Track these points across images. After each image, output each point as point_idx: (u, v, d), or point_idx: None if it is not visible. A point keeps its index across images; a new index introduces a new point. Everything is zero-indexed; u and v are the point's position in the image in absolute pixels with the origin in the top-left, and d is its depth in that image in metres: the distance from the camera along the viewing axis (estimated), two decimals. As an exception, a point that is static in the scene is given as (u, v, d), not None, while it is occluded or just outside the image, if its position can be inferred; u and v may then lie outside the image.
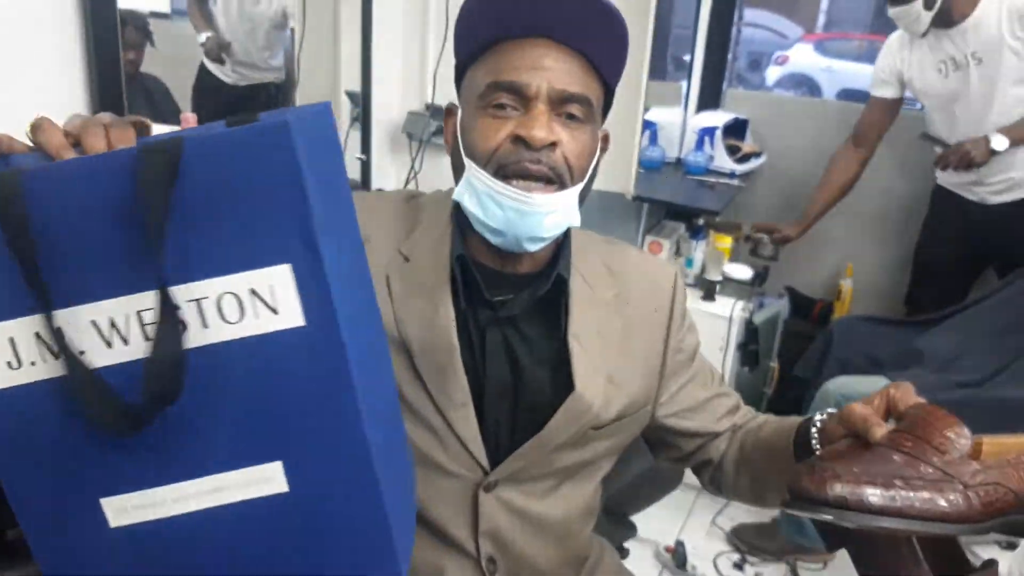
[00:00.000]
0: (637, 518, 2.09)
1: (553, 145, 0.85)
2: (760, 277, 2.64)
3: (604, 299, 0.98)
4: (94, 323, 0.55)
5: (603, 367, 0.95)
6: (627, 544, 1.59)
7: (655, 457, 1.13)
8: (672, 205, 2.63)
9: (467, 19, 0.88)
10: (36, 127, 0.59)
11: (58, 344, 0.54)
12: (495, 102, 0.85)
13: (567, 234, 0.96)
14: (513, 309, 0.93)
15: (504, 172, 0.85)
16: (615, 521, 1.61)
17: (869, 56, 9.04)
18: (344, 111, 2.32)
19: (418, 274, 0.93)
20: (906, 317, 2.53)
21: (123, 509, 0.60)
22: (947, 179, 2.46)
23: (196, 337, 0.56)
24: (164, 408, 0.55)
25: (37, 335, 0.55)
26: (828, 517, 0.67)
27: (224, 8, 2.05)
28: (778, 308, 2.72)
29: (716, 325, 2.43)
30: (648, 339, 1.00)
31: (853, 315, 2.79)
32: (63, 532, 0.60)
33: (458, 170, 0.91)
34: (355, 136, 2.25)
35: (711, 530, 2.39)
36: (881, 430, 0.75)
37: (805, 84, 9.05)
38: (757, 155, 2.91)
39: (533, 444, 0.92)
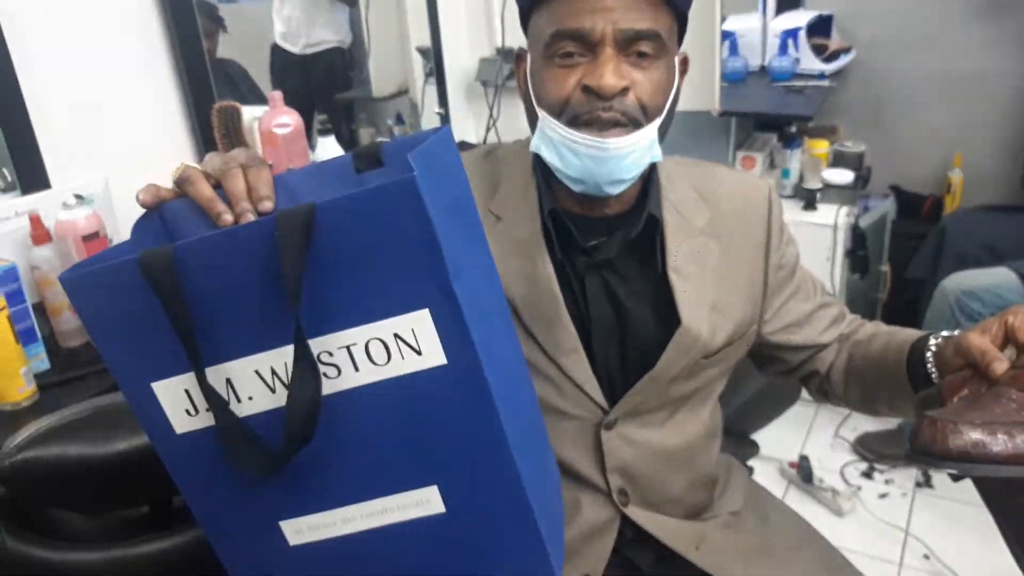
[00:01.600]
0: (758, 436, 2.08)
1: (625, 90, 0.82)
2: (863, 179, 2.53)
3: (698, 227, 0.97)
4: (257, 373, 0.60)
5: (706, 296, 0.95)
6: (751, 462, 1.59)
7: (761, 372, 1.12)
8: (761, 116, 2.53)
9: None
10: (184, 180, 0.63)
11: (207, 398, 0.59)
12: (561, 51, 0.83)
13: (653, 168, 0.95)
14: (609, 252, 0.93)
15: (577, 121, 0.84)
16: (736, 441, 1.61)
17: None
18: (417, 67, 2.33)
19: (512, 232, 0.94)
20: (1021, 203, 2.38)
21: (299, 530, 0.66)
22: None
23: (349, 379, 0.60)
24: (300, 449, 0.59)
25: (200, 385, 0.60)
26: (952, 471, 0.67)
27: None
28: (885, 209, 2.61)
29: (820, 234, 2.36)
30: (748, 260, 0.99)
31: (965, 207, 2.65)
32: (251, 552, 0.67)
33: (532, 120, 0.90)
34: (431, 91, 2.26)
35: (835, 442, 2.36)
36: (1002, 365, 0.72)
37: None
38: (846, 51, 2.76)
39: (647, 381, 0.93)
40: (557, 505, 0.81)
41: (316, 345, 0.58)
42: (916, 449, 0.68)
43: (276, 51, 2.16)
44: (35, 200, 1.24)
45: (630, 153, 0.84)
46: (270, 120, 1.48)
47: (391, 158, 0.68)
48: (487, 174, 0.98)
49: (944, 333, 0.85)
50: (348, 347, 0.59)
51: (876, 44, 2.85)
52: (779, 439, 2.25)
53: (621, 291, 0.94)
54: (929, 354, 0.85)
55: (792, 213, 2.44)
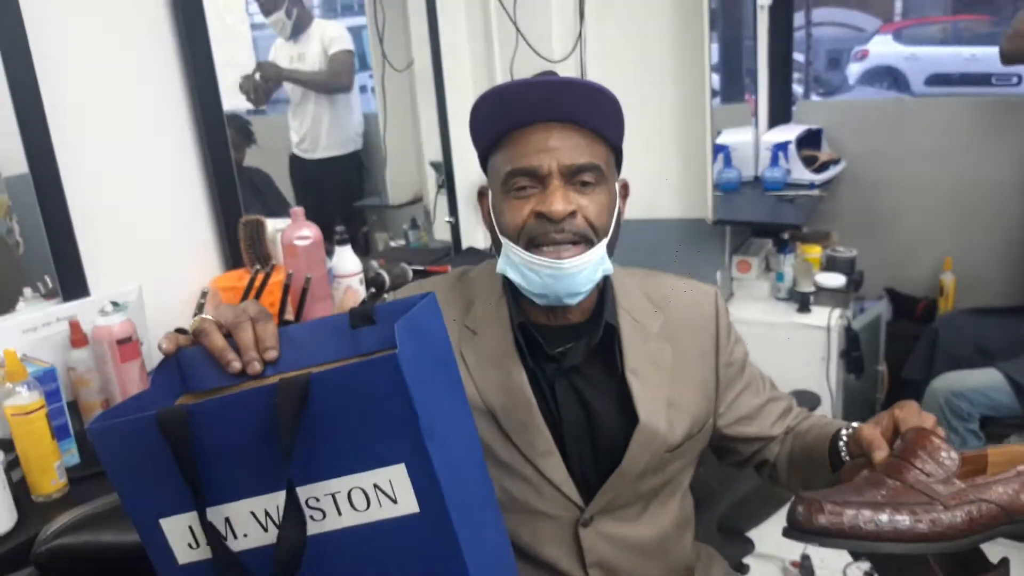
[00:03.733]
0: (761, 536, 2.11)
1: (573, 213, 0.94)
2: (855, 283, 2.64)
3: (653, 331, 1.05)
4: (252, 514, 0.68)
5: (663, 395, 1.03)
6: (748, 560, 1.63)
7: (720, 462, 1.20)
8: (754, 224, 2.67)
9: (480, 117, 0.96)
10: (200, 331, 0.73)
11: (207, 535, 0.67)
12: (516, 186, 0.95)
13: (607, 281, 1.04)
14: (575, 359, 1.01)
15: (534, 243, 0.94)
16: (731, 538, 1.65)
17: (954, 39, 8.73)
18: (430, 180, 2.49)
19: (487, 344, 1.03)
20: (1011, 305, 2.47)
21: None
22: None
23: (333, 522, 0.68)
24: None
25: (201, 524, 0.67)
26: (815, 544, 0.74)
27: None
28: (879, 311, 2.70)
29: (814, 336, 2.44)
30: (700, 359, 1.07)
31: (957, 309, 2.73)
32: None
33: (497, 245, 1.00)
34: (442, 201, 2.42)
35: (837, 542, 2.37)
36: (881, 453, 0.82)
37: (889, 76, 8.79)
38: (836, 162, 2.91)
39: (616, 477, 1.01)
40: None
41: (305, 491, 0.67)
42: (789, 524, 0.75)
43: (294, 160, 2.34)
44: (75, 307, 1.36)
45: (583, 269, 0.95)
46: (292, 233, 1.61)
47: (383, 318, 0.77)
48: (462, 293, 1.08)
49: (855, 424, 0.94)
50: (333, 494, 0.67)
51: (864, 155, 3.02)
52: (782, 539, 2.27)
53: (588, 393, 1.02)
54: (841, 443, 0.94)
55: (787, 315, 2.54)
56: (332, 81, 2.37)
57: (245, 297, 1.47)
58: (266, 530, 0.68)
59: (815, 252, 2.65)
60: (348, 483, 0.67)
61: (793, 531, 0.75)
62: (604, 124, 0.96)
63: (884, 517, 0.74)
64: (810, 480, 1.05)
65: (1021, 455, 0.80)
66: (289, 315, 1.54)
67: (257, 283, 1.49)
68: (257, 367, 0.73)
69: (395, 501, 0.67)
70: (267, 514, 0.68)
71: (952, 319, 2.52)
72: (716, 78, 3.69)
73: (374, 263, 1.96)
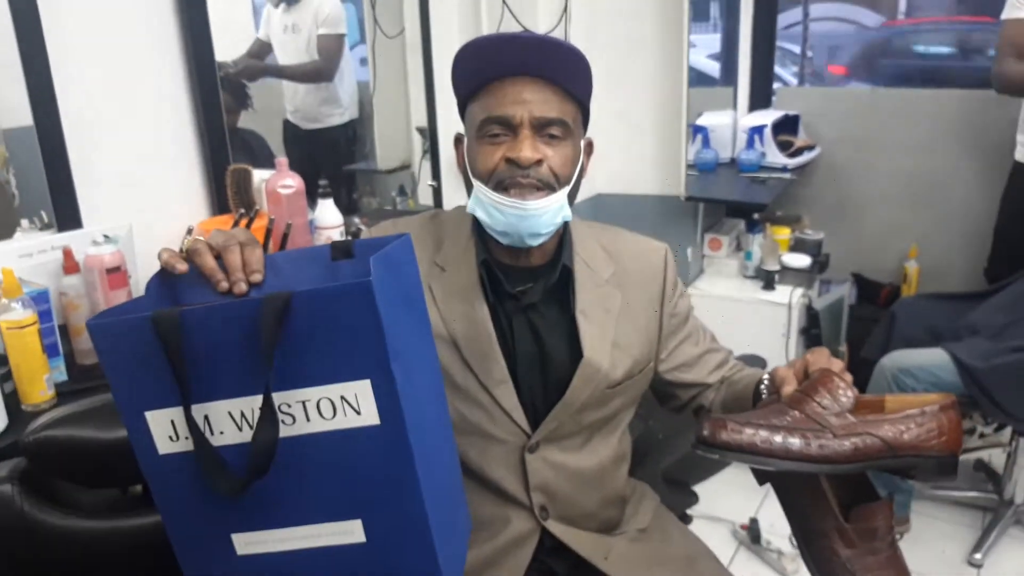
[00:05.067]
0: (712, 500, 2.23)
1: (540, 162, 1.03)
2: (820, 264, 2.74)
3: (604, 278, 1.16)
4: (229, 414, 0.75)
5: (608, 335, 1.13)
6: (698, 521, 1.71)
7: (662, 407, 1.31)
8: (723, 202, 2.77)
9: (461, 66, 1.06)
10: (192, 251, 0.80)
11: (191, 429, 0.74)
12: (489, 133, 1.04)
13: (567, 228, 1.15)
14: (532, 297, 1.12)
15: (502, 185, 1.03)
16: (678, 490, 1.76)
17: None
18: (416, 144, 2.59)
19: (454, 280, 1.12)
20: (964, 291, 2.57)
21: (246, 543, 0.80)
22: None
23: (301, 427, 0.75)
24: (258, 479, 0.74)
25: (186, 419, 0.75)
26: (715, 456, 0.85)
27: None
28: (841, 293, 2.80)
29: (776, 313, 2.56)
30: (646, 307, 1.19)
31: (914, 295, 2.84)
32: (205, 556, 0.81)
33: (469, 187, 1.09)
34: (427, 166, 2.51)
35: (787, 508, 2.49)
36: (789, 388, 0.93)
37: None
38: (811, 148, 3.01)
39: (561, 407, 1.11)
40: (461, 545, 0.95)
41: (279, 397, 0.74)
42: (696, 438, 0.86)
43: (287, 126, 2.41)
44: (68, 236, 1.46)
45: (545, 212, 1.04)
46: (276, 181, 1.71)
47: (360, 252, 0.85)
48: (433, 233, 1.17)
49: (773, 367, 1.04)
50: (304, 402, 0.74)
51: (839, 143, 3.11)
52: (734, 503, 2.39)
53: (542, 330, 1.13)
54: (762, 386, 1.06)
55: (752, 292, 2.65)
56: (317, 74, 2.41)
57: (228, 239, 1.57)
58: (241, 430, 0.76)
59: (784, 234, 2.76)
60: (318, 393, 0.74)
61: (699, 445, 0.86)
62: (574, 83, 1.05)
63: (779, 438, 0.85)
64: None
65: (913, 403, 0.90)
66: (269, 259, 1.64)
67: (240, 227, 1.59)
68: (243, 287, 0.80)
69: (359, 412, 0.74)
70: (243, 415, 0.75)
71: (909, 303, 2.62)
72: (715, 64, 3.79)
73: (356, 219, 2.06)
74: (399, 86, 2.54)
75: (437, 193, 2.49)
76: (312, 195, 1.85)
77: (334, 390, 0.74)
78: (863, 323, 2.84)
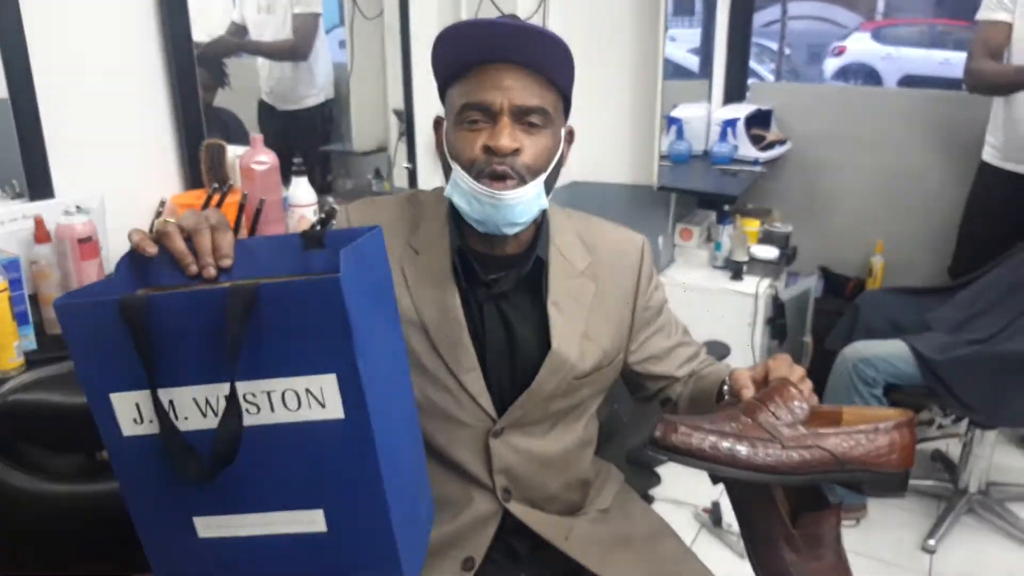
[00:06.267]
0: (675, 483, 2.27)
1: (517, 151, 1.02)
2: (787, 256, 2.79)
3: (579, 269, 1.15)
4: (194, 400, 0.76)
5: (579, 327, 1.13)
6: (659, 501, 1.75)
7: (631, 396, 1.32)
8: (695, 193, 2.81)
9: (442, 49, 1.04)
10: (163, 233, 0.79)
11: (157, 413, 0.75)
12: (469, 119, 1.02)
13: (545, 217, 1.14)
14: (504, 286, 1.11)
15: (479, 174, 1.02)
16: (641, 471, 1.79)
17: (932, 41, 8.89)
18: (392, 127, 2.60)
19: (427, 264, 1.11)
20: (927, 286, 2.64)
21: (208, 526, 0.81)
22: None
23: (265, 417, 0.75)
24: (224, 467, 0.74)
25: (153, 403, 0.75)
26: (664, 458, 0.85)
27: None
28: (808, 285, 2.86)
29: (743, 302, 2.61)
30: (619, 299, 1.18)
31: (878, 288, 2.90)
32: (166, 537, 0.82)
33: (447, 171, 1.08)
34: (402, 148, 2.53)
35: (749, 494, 2.54)
36: (747, 392, 0.94)
37: (863, 74, 8.96)
38: (782, 142, 3.06)
39: (526, 396, 1.11)
40: (424, 535, 0.97)
41: (243, 386, 0.74)
42: (648, 440, 0.87)
43: (263, 106, 2.41)
44: (40, 206, 1.46)
45: (520, 202, 1.04)
46: (250, 157, 1.72)
47: (332, 243, 0.84)
48: (410, 214, 1.17)
49: (739, 368, 1.04)
50: (268, 392, 0.75)
51: (811, 138, 3.17)
52: (697, 486, 2.42)
53: (513, 319, 1.13)
54: (725, 387, 1.06)
55: (720, 282, 2.69)
56: (292, 52, 2.40)
57: (201, 214, 1.58)
58: (205, 416, 0.76)
59: (753, 226, 2.81)
60: (283, 384, 0.74)
61: (650, 445, 0.86)
62: (556, 71, 1.03)
63: (726, 444, 0.85)
64: None
65: (868, 416, 0.90)
66: (243, 235, 1.65)
67: (214, 202, 1.60)
68: (212, 272, 0.80)
69: (323, 405, 0.74)
70: (207, 402, 0.75)
71: (872, 296, 2.68)
72: (695, 58, 3.83)
73: (329, 198, 2.07)
74: (376, 68, 2.55)
75: (412, 176, 2.50)
76: (286, 173, 1.86)
77: (300, 382, 0.74)
78: (829, 315, 2.90)
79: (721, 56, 3.13)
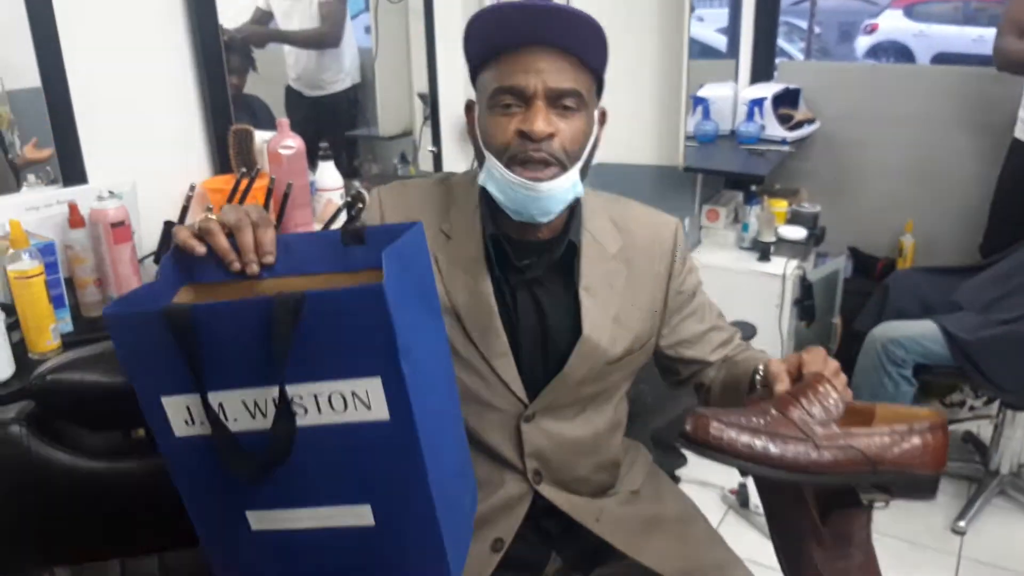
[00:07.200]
0: (704, 464, 2.26)
1: (552, 136, 0.99)
2: (816, 237, 2.77)
3: (611, 252, 1.14)
4: (243, 403, 0.77)
5: (610, 311, 1.12)
6: (685, 481, 1.74)
7: (663, 380, 1.30)
8: (721, 173, 2.79)
9: (474, 32, 1.03)
10: (205, 230, 0.81)
11: (207, 416, 0.76)
12: (502, 103, 1.00)
13: (578, 201, 1.10)
14: (537, 271, 1.11)
15: (515, 160, 1.00)
16: (667, 452, 1.80)
17: (965, 17, 8.70)
18: (417, 111, 2.60)
19: (459, 250, 1.11)
20: (957, 265, 2.60)
21: (261, 519, 0.84)
22: None
23: (313, 418, 0.77)
24: (278, 466, 0.77)
25: (203, 407, 0.77)
26: (696, 453, 0.84)
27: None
28: (836, 266, 2.83)
29: (770, 283, 2.59)
30: (652, 283, 1.17)
31: (908, 268, 2.87)
32: (221, 529, 0.85)
33: (480, 156, 1.06)
34: (427, 132, 2.53)
35: (776, 475, 2.54)
36: (781, 386, 0.91)
37: (896, 51, 8.80)
38: (811, 122, 3.03)
39: (557, 381, 1.12)
40: (468, 524, 0.97)
41: (291, 389, 0.75)
42: (679, 434, 0.86)
43: (290, 92, 2.44)
44: (74, 191, 1.49)
45: (556, 192, 1.02)
46: (277, 142, 1.73)
47: (372, 240, 0.84)
48: (441, 198, 1.16)
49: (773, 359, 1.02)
50: (315, 395, 0.76)
51: (840, 117, 3.13)
52: (724, 468, 2.43)
53: (545, 304, 1.12)
54: (757, 376, 1.05)
55: (748, 263, 2.68)
56: (321, 40, 2.41)
57: (231, 199, 1.60)
58: (254, 417, 0.78)
59: (781, 206, 2.79)
60: (329, 387, 0.75)
61: (681, 439, 0.86)
62: (590, 52, 1.01)
63: (759, 443, 0.83)
64: (734, 405, 1.14)
65: (902, 415, 0.88)
66: (271, 218, 1.67)
67: (242, 187, 1.62)
68: (255, 268, 0.81)
69: (369, 407, 0.75)
70: (256, 404, 0.77)
71: (902, 276, 2.65)
72: (723, 37, 3.79)
73: (356, 183, 2.09)
74: (401, 52, 2.55)
75: (438, 159, 2.51)
76: (313, 158, 1.87)
77: (345, 385, 0.75)
78: (858, 296, 2.87)
79: (748, 35, 3.09)
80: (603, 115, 1.11)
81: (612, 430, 1.22)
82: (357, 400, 0.75)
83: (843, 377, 0.93)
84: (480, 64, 1.05)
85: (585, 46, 1.01)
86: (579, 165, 1.04)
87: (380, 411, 0.76)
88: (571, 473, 1.18)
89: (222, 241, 0.81)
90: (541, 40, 0.99)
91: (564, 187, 1.02)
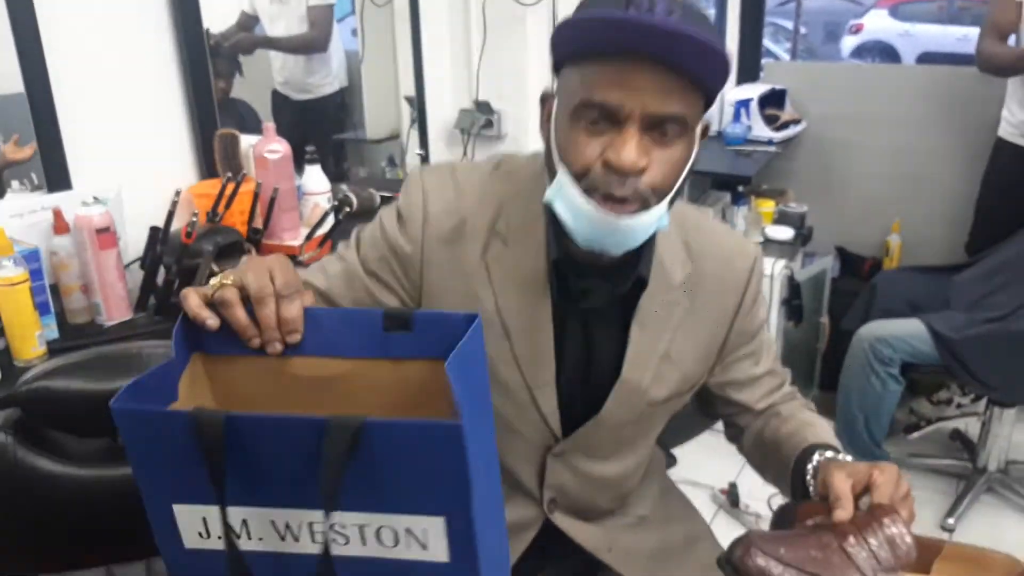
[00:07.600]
0: (693, 464, 2.28)
1: (642, 170, 0.82)
2: (803, 237, 2.78)
3: (676, 282, 1.00)
4: (272, 523, 0.68)
5: (659, 347, 1.00)
6: (677, 482, 1.76)
7: (696, 406, 1.20)
8: (708, 174, 2.80)
9: (574, 24, 0.84)
10: (222, 302, 0.72)
11: (225, 535, 0.67)
12: (588, 118, 0.83)
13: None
14: (595, 302, 0.98)
15: (591, 189, 0.84)
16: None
17: (950, 17, 8.77)
18: (404, 114, 2.61)
19: (518, 263, 0.97)
20: (944, 264, 2.62)
21: None
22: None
23: (355, 549, 0.68)
24: None
25: (223, 525, 0.67)
26: None
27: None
28: (824, 265, 2.84)
29: (758, 283, 2.59)
30: (714, 319, 1.03)
31: (895, 267, 2.89)
32: None
33: (550, 163, 0.90)
34: (414, 135, 2.53)
35: (766, 474, 2.55)
36: (843, 515, 0.80)
37: (881, 51, 8.86)
38: (797, 122, 3.04)
39: (593, 424, 1.02)
40: None
41: (333, 515, 0.65)
42: (725, 557, 0.79)
43: (276, 96, 2.43)
44: (59, 197, 1.48)
45: (638, 228, 0.86)
46: (263, 146, 1.73)
47: (420, 326, 0.74)
48: (495, 192, 1.00)
49: (828, 453, 0.94)
50: (362, 526, 0.66)
51: (826, 118, 3.14)
52: (714, 467, 2.44)
53: (596, 337, 1.01)
54: (809, 472, 0.94)
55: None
56: (309, 45, 2.40)
57: (217, 204, 1.59)
58: (283, 540, 0.68)
59: (768, 206, 2.80)
60: (380, 520, 0.66)
61: (726, 565, 0.78)
62: (707, 77, 0.82)
63: None
64: (764, 469, 1.10)
65: (976, 558, 0.80)
66: (258, 223, 1.66)
67: (228, 191, 1.62)
68: (278, 348, 0.72)
69: (425, 547, 0.66)
70: (288, 527, 0.68)
71: (890, 275, 2.67)
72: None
73: (343, 186, 2.08)
74: (388, 55, 2.56)
75: (424, 163, 2.51)
76: (299, 162, 1.87)
77: (400, 521, 0.66)
78: (845, 296, 2.88)
79: (734, 36, 3.10)
80: (706, 129, 0.92)
81: (639, 468, 1.15)
82: (411, 538, 0.66)
83: (911, 503, 0.83)
84: (566, 57, 0.87)
85: (701, 66, 0.80)
86: (668, 198, 0.87)
87: (439, 552, 0.67)
88: (588, 504, 1.12)
89: (240, 315, 0.72)
90: (647, 51, 0.79)
91: (648, 223, 0.86)
